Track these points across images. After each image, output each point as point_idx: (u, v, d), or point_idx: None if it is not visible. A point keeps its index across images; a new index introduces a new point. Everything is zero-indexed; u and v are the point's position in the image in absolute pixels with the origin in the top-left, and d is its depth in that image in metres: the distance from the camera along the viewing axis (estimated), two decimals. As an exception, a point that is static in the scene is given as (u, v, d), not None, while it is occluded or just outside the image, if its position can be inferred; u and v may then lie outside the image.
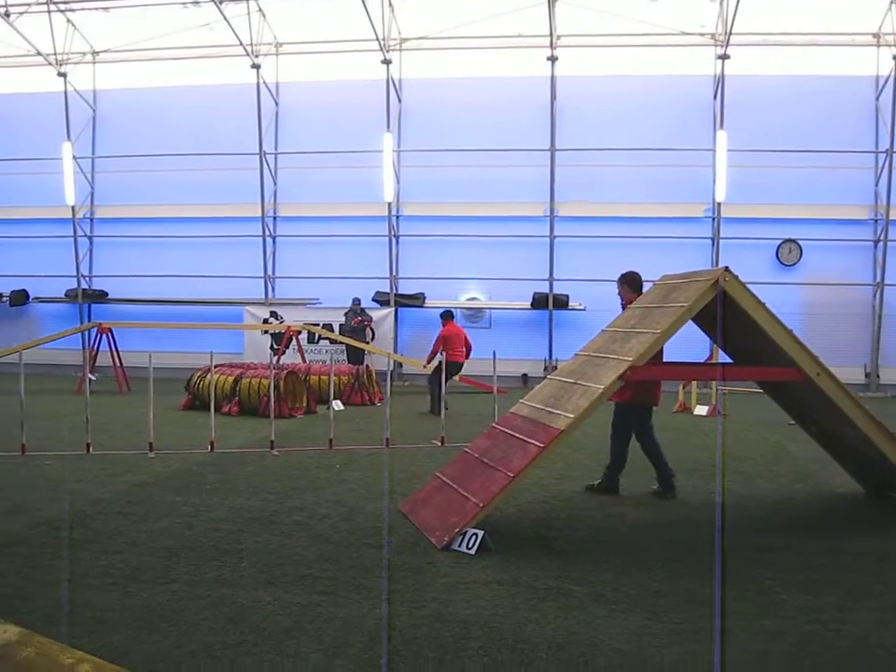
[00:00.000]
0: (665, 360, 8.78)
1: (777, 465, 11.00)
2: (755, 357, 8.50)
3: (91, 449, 10.95)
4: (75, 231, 25.00)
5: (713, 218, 22.59)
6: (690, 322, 7.83)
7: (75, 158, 24.70)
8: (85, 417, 11.02)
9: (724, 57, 21.74)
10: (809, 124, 21.90)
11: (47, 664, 2.27)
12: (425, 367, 16.58)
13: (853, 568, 6.39)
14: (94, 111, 25.46)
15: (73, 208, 24.81)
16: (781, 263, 22.62)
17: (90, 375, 15.26)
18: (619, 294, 9.42)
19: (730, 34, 21.20)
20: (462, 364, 16.78)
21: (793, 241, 22.50)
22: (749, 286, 7.61)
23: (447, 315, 17.04)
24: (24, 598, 5.41)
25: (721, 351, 10.66)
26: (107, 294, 25.22)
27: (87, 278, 25.58)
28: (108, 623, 5.02)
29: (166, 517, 7.63)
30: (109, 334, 20.12)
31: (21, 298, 25.29)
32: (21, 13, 22.35)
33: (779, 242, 22.58)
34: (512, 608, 5.40)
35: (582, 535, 7.36)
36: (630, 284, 9.39)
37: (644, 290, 9.26)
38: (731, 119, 21.96)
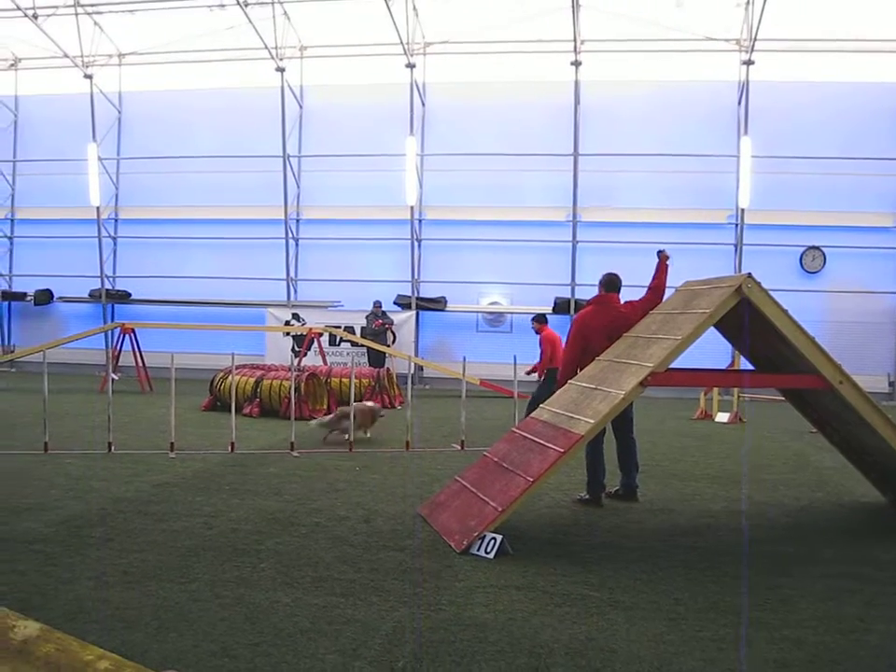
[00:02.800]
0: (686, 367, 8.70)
1: (799, 473, 10.94)
2: (777, 364, 8.46)
3: (112, 448, 11.02)
4: (99, 231, 25.14)
5: (736, 225, 22.49)
6: (711, 328, 7.80)
7: (100, 159, 24.85)
8: (107, 417, 11.09)
9: (749, 62, 21.65)
10: (834, 130, 21.77)
11: (67, 660, 2.28)
12: (528, 373, 15.34)
13: (874, 578, 6.35)
14: (120, 113, 25.61)
15: (97, 209, 24.95)
16: (805, 270, 22.49)
17: (112, 375, 15.34)
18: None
19: (755, 39, 21.11)
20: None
21: (817, 248, 22.37)
22: (771, 293, 7.57)
23: (543, 319, 15.23)
24: (45, 595, 5.45)
25: (742, 358, 10.62)
26: (131, 294, 25.35)
27: (110, 278, 25.73)
28: (127, 621, 5.05)
29: (186, 517, 7.66)
30: (132, 334, 20.22)
31: (45, 297, 25.46)
32: (49, 15, 22.52)
33: (803, 249, 22.45)
34: (530, 612, 5.40)
35: (601, 540, 7.34)
36: (606, 285, 9.33)
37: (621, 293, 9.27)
38: (755, 124, 21.85)
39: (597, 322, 8.93)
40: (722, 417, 16.74)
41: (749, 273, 7.54)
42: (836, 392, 7.66)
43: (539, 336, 14.85)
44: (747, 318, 7.54)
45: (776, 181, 21.89)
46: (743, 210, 22.19)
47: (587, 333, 8.91)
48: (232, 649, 4.70)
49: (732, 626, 5.22)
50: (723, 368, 14.57)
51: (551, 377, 14.58)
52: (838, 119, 21.83)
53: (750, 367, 9.45)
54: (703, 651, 4.85)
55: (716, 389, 17.02)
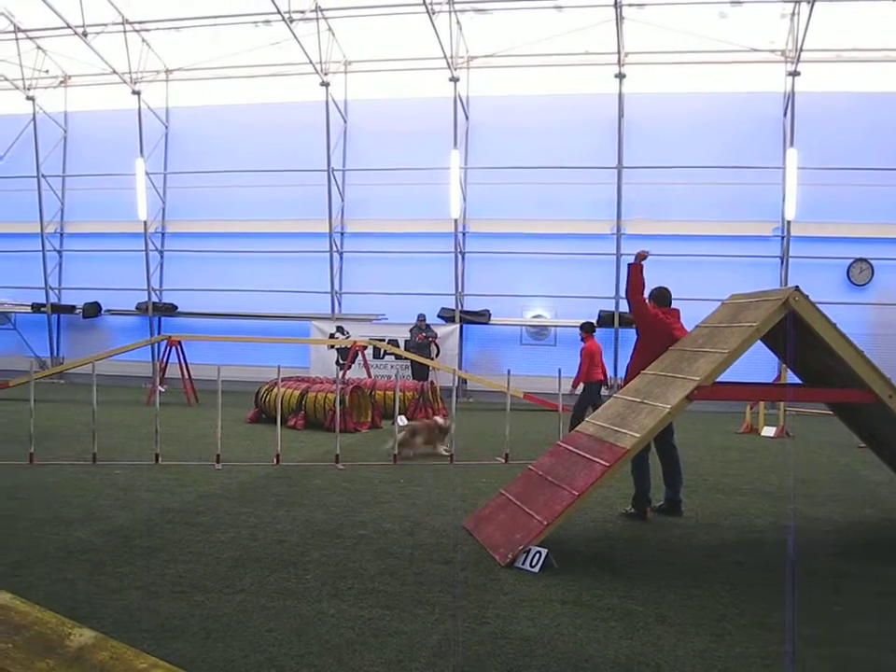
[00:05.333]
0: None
1: (848, 488, 10.80)
2: (825, 377, 8.37)
3: (159, 459, 11.13)
4: (146, 245, 25.43)
5: (783, 237, 22.30)
6: (758, 342, 7.74)
7: (147, 174, 25.16)
8: (154, 428, 11.21)
9: (795, 73, 21.50)
10: (881, 141, 21.51)
11: (122, 667, 2.31)
12: (572, 390, 15.19)
13: (925, 595, 6.26)
14: (167, 128, 25.92)
15: (145, 223, 25.24)
16: (852, 283, 22.24)
17: (159, 387, 15.50)
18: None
19: (800, 50, 20.96)
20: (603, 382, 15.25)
21: (865, 260, 22.13)
22: (819, 305, 7.51)
23: (588, 328, 15.06)
24: (93, 604, 5.51)
25: (789, 371, 10.52)
26: (177, 307, 25.61)
27: (157, 292, 26.01)
28: (175, 630, 5.10)
29: (232, 528, 7.72)
30: (178, 347, 20.41)
31: (93, 310, 25.79)
32: (98, 33, 22.88)
33: (850, 261, 22.21)
34: (575, 627, 5.38)
35: (647, 555, 7.30)
36: (656, 299, 9.34)
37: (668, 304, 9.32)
38: (801, 135, 21.68)
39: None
40: (769, 431, 16.58)
41: (797, 286, 7.48)
42: (886, 406, 7.58)
43: (581, 346, 14.84)
44: (793, 332, 7.48)
45: (822, 193, 21.68)
46: (789, 222, 22.00)
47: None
48: (278, 660, 4.72)
49: (779, 643, 5.16)
50: (770, 381, 14.45)
51: (589, 390, 14.61)
52: (885, 130, 21.57)
53: (797, 380, 9.36)
54: (749, 668, 4.81)
55: (762, 403, 16.87)
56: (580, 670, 4.71)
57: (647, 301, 9.27)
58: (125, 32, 23.14)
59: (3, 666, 2.28)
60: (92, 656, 2.34)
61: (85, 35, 22.76)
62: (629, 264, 9.25)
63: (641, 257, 9.19)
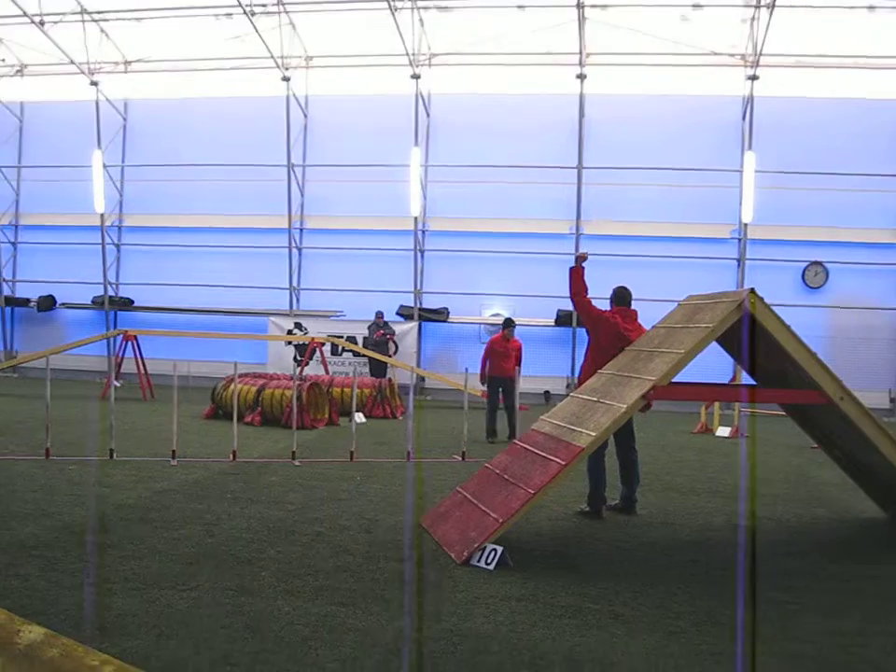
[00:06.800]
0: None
1: (800, 488, 10.93)
2: (779, 379, 8.47)
3: (114, 455, 11.03)
4: (103, 238, 25.18)
5: (739, 239, 22.53)
6: (714, 343, 7.82)
7: (105, 166, 24.91)
8: (109, 423, 11.12)
9: (754, 78, 21.72)
10: (838, 146, 21.80)
11: (72, 664, 2.29)
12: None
13: (874, 593, 6.36)
14: (125, 120, 25.69)
15: (102, 216, 25.00)
16: (807, 286, 22.52)
17: (115, 382, 15.35)
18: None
19: (760, 54, 21.19)
20: (500, 378, 15.16)
21: (820, 263, 22.42)
22: (774, 307, 7.60)
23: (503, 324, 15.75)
24: (46, 601, 5.45)
25: (744, 372, 10.63)
26: (133, 302, 25.41)
27: (114, 285, 25.77)
28: (129, 627, 5.06)
29: (188, 524, 7.67)
30: (135, 341, 20.23)
31: (48, 303, 25.50)
32: (56, 22, 22.62)
33: (806, 264, 22.50)
34: (530, 624, 5.41)
35: (602, 553, 7.36)
36: (615, 298, 9.39)
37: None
38: (759, 140, 21.91)
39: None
40: (723, 431, 16.74)
41: (752, 288, 7.56)
42: (837, 408, 7.68)
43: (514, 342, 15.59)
44: (748, 333, 7.56)
45: (779, 196, 21.93)
46: (746, 225, 22.25)
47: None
48: (233, 657, 4.70)
49: (731, 640, 5.22)
50: (725, 382, 14.58)
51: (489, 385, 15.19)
52: (842, 135, 21.87)
53: (752, 382, 9.46)
54: (701, 664, 4.86)
55: (717, 403, 17.03)
56: (534, 667, 4.73)
57: (610, 303, 9.33)
58: (83, 21, 22.87)
59: (-51, 664, 2.26)
60: (42, 653, 2.31)
61: (42, 23, 22.49)
62: (570, 268, 9.26)
63: (581, 259, 9.24)
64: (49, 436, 10.97)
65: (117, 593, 5.69)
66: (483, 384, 15.42)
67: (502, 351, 15.15)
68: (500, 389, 15.14)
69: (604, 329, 9.01)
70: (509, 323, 15.57)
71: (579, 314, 9.39)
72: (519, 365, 15.14)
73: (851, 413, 7.68)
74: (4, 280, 26.04)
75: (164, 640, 4.90)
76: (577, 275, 9.18)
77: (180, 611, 5.38)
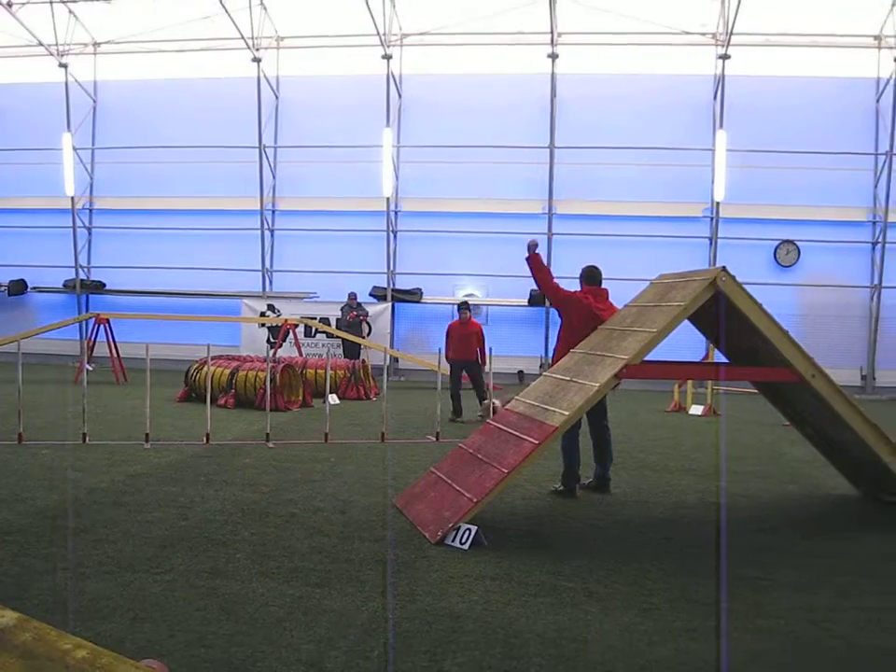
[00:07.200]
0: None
1: (772, 465, 11.02)
2: (751, 357, 8.51)
3: (87, 439, 10.96)
4: (74, 221, 25.01)
5: (711, 218, 22.64)
6: (686, 321, 7.85)
7: (75, 149, 24.71)
8: (82, 407, 11.05)
9: (725, 57, 21.78)
10: (809, 125, 21.95)
11: (44, 649, 2.28)
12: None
13: (845, 569, 6.42)
14: (95, 102, 25.46)
15: (72, 199, 24.83)
16: (779, 264, 22.67)
17: (87, 366, 15.26)
18: None
19: (731, 33, 21.24)
20: (462, 361, 15.28)
21: (791, 242, 22.56)
22: (746, 286, 7.64)
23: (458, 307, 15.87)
24: (20, 586, 5.42)
25: (717, 351, 10.68)
26: (105, 285, 25.23)
27: (85, 269, 25.60)
28: (103, 611, 5.04)
29: (161, 507, 7.65)
30: (107, 325, 20.13)
31: (19, 287, 25.30)
32: (24, 3, 22.37)
33: (777, 242, 22.64)
34: (505, 603, 5.42)
35: (576, 532, 7.39)
36: (586, 278, 9.35)
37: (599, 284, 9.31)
38: (731, 119, 22.00)
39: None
40: (696, 410, 16.84)
41: (724, 267, 7.59)
42: (809, 385, 7.74)
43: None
44: (721, 311, 7.59)
45: (751, 175, 22.05)
46: (718, 203, 22.36)
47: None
48: (208, 639, 4.69)
49: (704, 617, 5.26)
50: (698, 361, 14.66)
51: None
52: (813, 114, 22.02)
53: (725, 360, 9.50)
54: (675, 641, 4.89)
55: (690, 382, 17.13)
56: (509, 645, 4.75)
57: (581, 283, 9.31)
58: (52, 2, 22.61)
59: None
60: (14, 637, 2.31)
61: (10, 5, 22.24)
62: (525, 258, 9.22)
63: (533, 246, 9.20)
64: (22, 421, 10.90)
65: (90, 577, 5.67)
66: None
67: (460, 335, 15.21)
68: (463, 371, 15.22)
69: (576, 310, 9.00)
70: (463, 306, 15.60)
71: (549, 298, 9.34)
72: (482, 346, 15.13)
73: (823, 390, 7.74)
74: (-27, 264, 25.80)
75: (139, 623, 4.88)
76: (537, 263, 9.16)
77: (154, 594, 5.36)
